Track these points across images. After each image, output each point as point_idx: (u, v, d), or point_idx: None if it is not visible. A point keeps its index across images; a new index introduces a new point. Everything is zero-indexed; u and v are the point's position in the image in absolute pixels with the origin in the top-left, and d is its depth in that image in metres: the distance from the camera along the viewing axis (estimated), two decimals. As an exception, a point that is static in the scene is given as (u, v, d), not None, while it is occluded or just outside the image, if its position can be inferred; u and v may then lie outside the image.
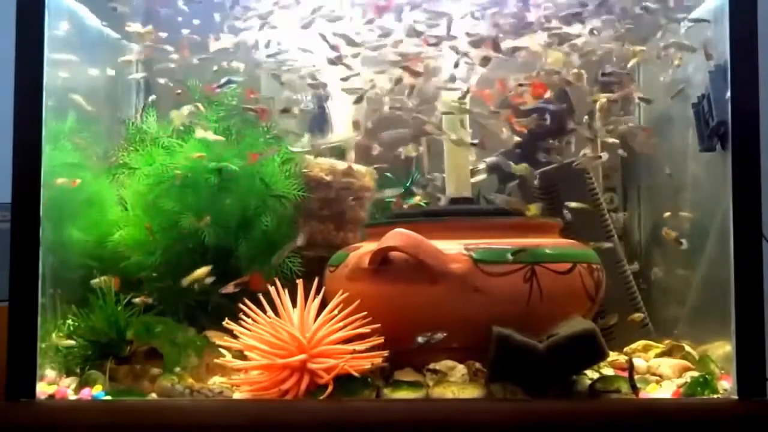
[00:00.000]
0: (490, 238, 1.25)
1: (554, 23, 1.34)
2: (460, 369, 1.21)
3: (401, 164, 1.60)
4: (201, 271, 1.36)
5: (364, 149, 1.53)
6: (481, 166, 1.52)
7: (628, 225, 1.66)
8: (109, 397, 1.21)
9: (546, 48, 1.36)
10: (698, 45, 1.29)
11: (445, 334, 1.19)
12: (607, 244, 1.39)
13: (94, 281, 1.33)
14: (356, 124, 1.50)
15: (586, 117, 1.45)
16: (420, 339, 1.19)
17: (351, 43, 1.36)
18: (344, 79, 1.40)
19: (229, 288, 1.32)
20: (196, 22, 1.47)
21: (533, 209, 1.26)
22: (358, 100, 1.41)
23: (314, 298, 1.26)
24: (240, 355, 1.26)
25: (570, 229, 1.36)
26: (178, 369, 1.26)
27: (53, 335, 1.27)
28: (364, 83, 1.42)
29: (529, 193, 1.49)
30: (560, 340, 1.15)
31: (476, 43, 1.32)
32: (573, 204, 1.38)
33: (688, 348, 1.36)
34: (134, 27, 1.46)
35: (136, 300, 1.34)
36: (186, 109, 1.44)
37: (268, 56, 1.45)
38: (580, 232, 1.37)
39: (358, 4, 1.37)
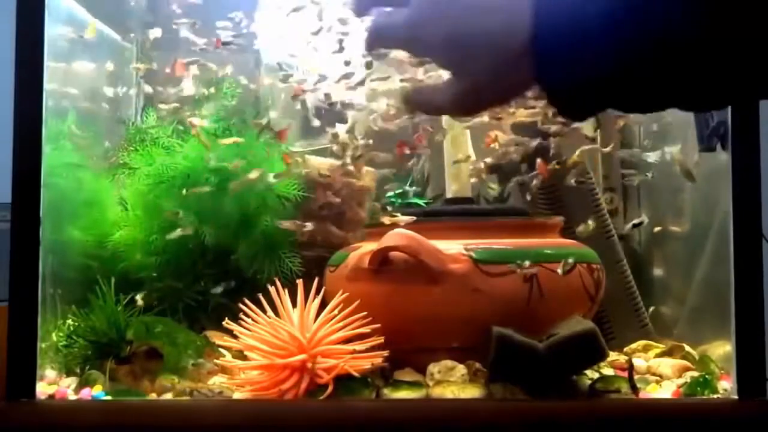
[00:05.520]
0: (490, 238, 1.25)
1: None
2: (460, 369, 1.21)
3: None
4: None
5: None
6: (481, 165, 1.52)
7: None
8: (109, 397, 1.21)
9: None
10: None
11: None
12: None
13: None
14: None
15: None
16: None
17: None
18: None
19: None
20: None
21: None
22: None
23: (314, 298, 1.25)
24: (240, 355, 1.27)
25: (569, 229, 1.36)
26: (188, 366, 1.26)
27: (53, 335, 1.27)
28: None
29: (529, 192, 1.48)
30: (560, 340, 1.15)
31: None
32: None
33: (688, 348, 1.36)
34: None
35: (139, 297, 1.34)
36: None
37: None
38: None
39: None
